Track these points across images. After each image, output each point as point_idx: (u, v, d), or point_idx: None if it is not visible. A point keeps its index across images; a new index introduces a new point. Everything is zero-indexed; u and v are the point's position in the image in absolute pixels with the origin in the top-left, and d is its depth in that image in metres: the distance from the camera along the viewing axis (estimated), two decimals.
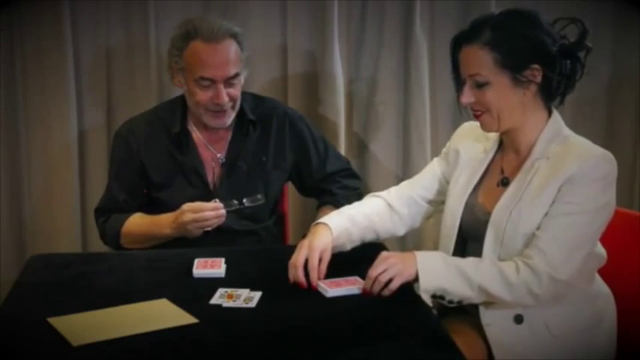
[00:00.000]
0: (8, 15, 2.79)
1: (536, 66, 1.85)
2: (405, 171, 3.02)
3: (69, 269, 2.04)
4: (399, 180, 3.00)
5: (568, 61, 1.87)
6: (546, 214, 1.85)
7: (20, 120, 2.88)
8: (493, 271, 1.83)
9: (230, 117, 2.39)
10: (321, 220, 2.02)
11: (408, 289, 1.91)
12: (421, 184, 2.16)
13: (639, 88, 3.03)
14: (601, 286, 2.01)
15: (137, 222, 2.40)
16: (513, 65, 1.85)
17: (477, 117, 1.94)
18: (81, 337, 1.60)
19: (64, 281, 1.97)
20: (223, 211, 2.24)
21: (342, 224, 2.02)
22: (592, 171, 1.83)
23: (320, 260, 1.91)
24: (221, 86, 2.31)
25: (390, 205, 2.12)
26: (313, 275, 1.89)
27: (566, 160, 1.85)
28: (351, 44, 2.95)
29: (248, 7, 2.88)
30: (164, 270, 2.04)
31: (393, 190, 2.18)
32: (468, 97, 1.91)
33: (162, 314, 1.73)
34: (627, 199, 3.09)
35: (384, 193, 2.16)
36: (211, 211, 2.23)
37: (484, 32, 1.86)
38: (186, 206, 2.25)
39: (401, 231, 2.15)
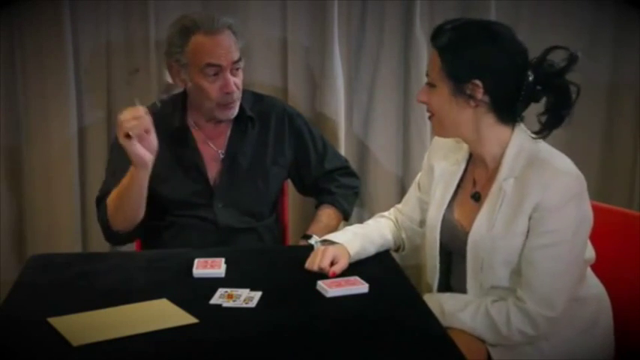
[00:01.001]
0: (8, 15, 2.78)
1: (477, 82, 1.82)
2: (405, 170, 3.02)
3: (69, 269, 2.04)
4: (398, 179, 3.02)
5: (539, 87, 1.82)
6: (527, 246, 1.82)
7: (20, 120, 2.87)
8: (487, 323, 1.85)
9: (237, 108, 2.41)
10: (340, 241, 2.04)
11: (408, 289, 1.91)
12: (408, 208, 2.19)
13: (639, 88, 3.02)
14: (593, 288, 2.00)
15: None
16: (455, 76, 1.83)
17: (429, 118, 1.94)
18: (81, 337, 1.60)
19: (64, 281, 1.96)
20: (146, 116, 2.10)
21: (359, 245, 2.05)
22: (559, 196, 1.79)
23: (332, 264, 1.96)
24: (228, 74, 2.33)
25: (396, 226, 2.20)
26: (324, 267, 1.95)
27: (531, 184, 1.81)
28: (351, 44, 2.95)
29: (248, 7, 2.88)
30: (164, 270, 2.04)
31: (392, 211, 2.23)
32: (420, 94, 1.92)
33: (162, 314, 1.73)
34: (627, 199, 3.08)
35: (388, 214, 2.22)
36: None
37: (442, 37, 1.85)
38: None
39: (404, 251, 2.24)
